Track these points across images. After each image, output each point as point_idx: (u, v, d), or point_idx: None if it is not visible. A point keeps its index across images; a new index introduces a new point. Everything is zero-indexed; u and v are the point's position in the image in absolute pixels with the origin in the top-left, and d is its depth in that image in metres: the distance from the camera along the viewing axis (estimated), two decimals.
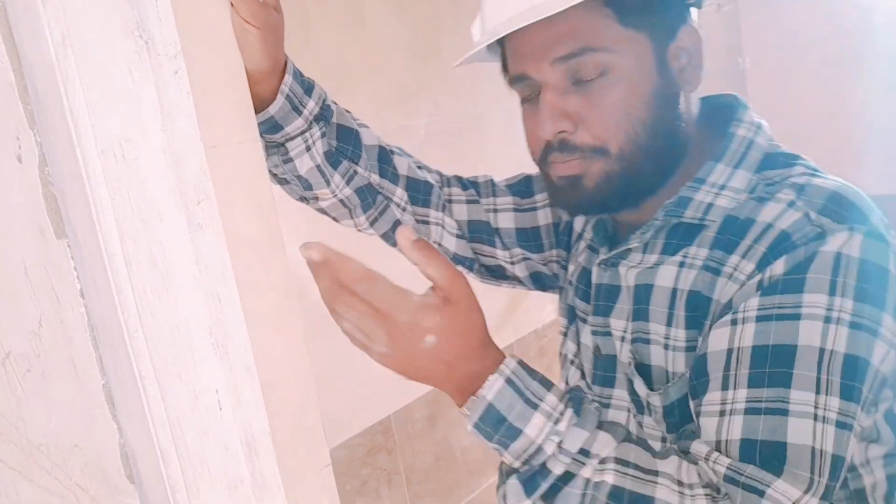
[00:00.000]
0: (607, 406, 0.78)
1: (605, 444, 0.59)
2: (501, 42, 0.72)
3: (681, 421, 0.69)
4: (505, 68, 0.75)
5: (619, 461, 0.58)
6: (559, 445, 0.58)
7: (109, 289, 0.48)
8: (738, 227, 0.66)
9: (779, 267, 0.61)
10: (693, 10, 0.72)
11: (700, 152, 0.71)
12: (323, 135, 0.79)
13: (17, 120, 0.48)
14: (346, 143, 0.82)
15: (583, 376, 0.83)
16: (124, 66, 0.46)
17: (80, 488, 0.59)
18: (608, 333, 0.77)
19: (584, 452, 0.58)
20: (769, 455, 0.57)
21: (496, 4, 0.69)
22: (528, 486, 0.58)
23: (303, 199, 0.85)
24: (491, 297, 1.07)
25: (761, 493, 0.56)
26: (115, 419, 0.54)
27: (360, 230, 0.89)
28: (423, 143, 1.66)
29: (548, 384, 0.61)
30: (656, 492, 0.56)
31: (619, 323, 0.76)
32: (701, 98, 0.74)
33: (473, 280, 0.95)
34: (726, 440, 0.59)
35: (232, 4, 0.58)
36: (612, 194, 0.69)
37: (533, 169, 0.78)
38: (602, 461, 0.58)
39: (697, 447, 0.61)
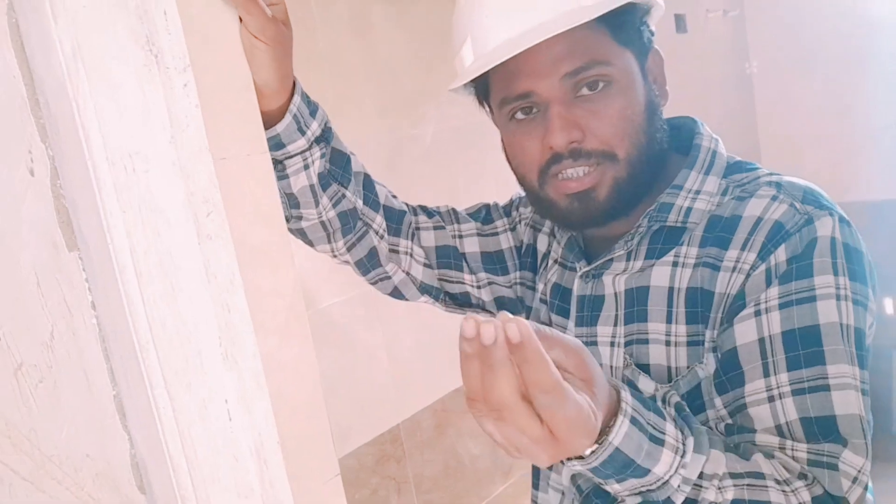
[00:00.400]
0: None
1: (718, 463, 0.59)
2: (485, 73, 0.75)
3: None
4: (485, 93, 0.79)
5: (733, 475, 0.59)
6: (683, 479, 0.57)
7: (120, 300, 0.48)
8: (726, 224, 0.71)
9: (781, 254, 0.66)
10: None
11: (669, 164, 0.78)
12: (322, 156, 0.81)
13: (29, 133, 0.49)
14: (338, 167, 0.84)
15: None
16: (134, 80, 0.46)
17: (92, 499, 0.59)
18: (593, 343, 0.80)
19: (704, 476, 0.58)
20: (825, 429, 0.62)
21: (494, 25, 0.72)
22: None
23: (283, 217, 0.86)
24: None
25: (836, 468, 0.61)
26: (126, 429, 0.54)
27: (335, 255, 0.90)
28: (429, 151, 1.67)
29: (659, 410, 0.58)
30: (770, 496, 0.59)
31: (606, 329, 0.78)
32: None
33: (439, 309, 0.98)
34: (786, 422, 0.63)
35: (241, 20, 0.59)
36: (618, 203, 0.73)
37: (510, 184, 0.81)
38: (720, 480, 0.59)
39: (764, 438, 0.64)
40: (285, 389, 0.56)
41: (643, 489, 0.57)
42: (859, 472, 0.61)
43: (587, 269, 0.81)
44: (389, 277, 0.93)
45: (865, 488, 0.62)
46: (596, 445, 0.53)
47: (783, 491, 0.59)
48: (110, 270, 0.48)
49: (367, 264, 0.91)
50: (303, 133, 0.77)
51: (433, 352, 1.63)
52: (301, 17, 1.39)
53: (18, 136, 0.48)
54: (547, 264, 0.90)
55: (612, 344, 0.77)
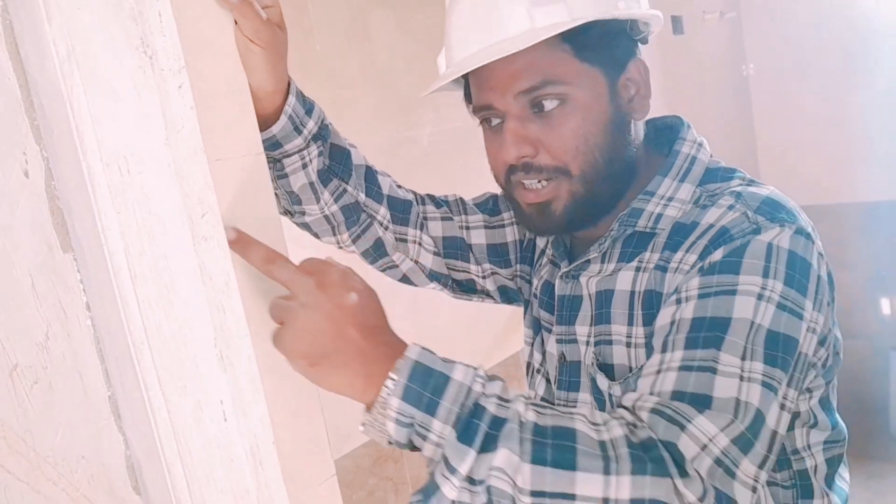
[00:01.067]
0: None
1: (518, 393, 0.60)
2: (465, 74, 0.77)
3: None
4: (468, 97, 0.80)
5: (534, 404, 0.59)
6: (484, 387, 0.57)
7: (115, 301, 0.48)
8: (685, 230, 0.73)
9: (718, 255, 0.67)
10: (640, 45, 0.78)
11: (648, 168, 0.78)
12: (320, 153, 0.81)
13: (23, 135, 0.49)
14: (337, 162, 0.85)
15: (548, 383, 0.87)
16: (129, 81, 0.46)
17: (88, 500, 0.59)
18: (573, 341, 0.81)
19: (504, 399, 0.58)
20: (695, 402, 0.60)
21: (462, 39, 0.74)
22: (467, 433, 0.55)
23: (287, 212, 0.86)
24: (496, 310, 1.08)
25: (682, 427, 0.58)
26: (121, 431, 0.54)
27: (341, 247, 0.91)
28: (426, 153, 1.67)
29: None
30: (575, 423, 0.58)
31: (583, 329, 0.80)
32: (647, 119, 0.80)
33: (446, 294, 0.99)
34: (658, 391, 0.62)
35: (236, 23, 0.59)
36: (577, 216, 0.75)
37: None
38: (522, 402, 0.58)
39: (628, 396, 0.64)
40: (281, 391, 0.56)
41: (454, 407, 0.55)
42: (711, 440, 0.58)
43: (567, 269, 0.83)
44: (397, 266, 0.94)
45: (725, 469, 0.58)
46: (399, 363, 0.56)
47: (595, 428, 0.58)
48: (105, 272, 0.48)
49: (374, 254, 0.92)
50: (299, 132, 0.77)
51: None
52: (298, 20, 1.39)
53: (13, 137, 0.48)
54: (542, 261, 0.92)
55: (587, 343, 0.79)
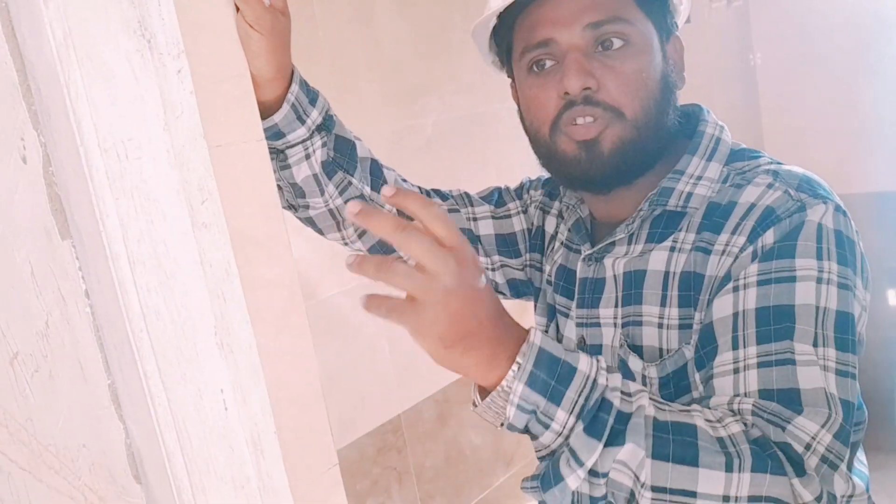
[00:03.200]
0: None
1: (636, 385, 0.59)
2: (510, 21, 0.77)
3: (675, 393, 0.73)
4: (507, 49, 0.79)
5: (654, 400, 0.59)
6: (608, 380, 0.57)
7: (114, 289, 0.48)
8: (722, 210, 0.72)
9: (769, 237, 0.67)
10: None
11: (674, 150, 0.78)
12: (324, 144, 0.80)
13: (21, 120, 0.48)
14: (342, 155, 0.83)
15: None
16: (126, 65, 0.46)
17: (89, 489, 0.59)
18: (596, 324, 0.81)
19: (627, 392, 0.58)
20: (786, 400, 0.60)
21: None
22: (594, 427, 0.55)
23: (291, 206, 0.85)
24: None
25: (783, 428, 0.59)
26: (121, 419, 0.54)
27: (346, 243, 0.90)
28: (430, 142, 1.66)
29: None
30: (695, 419, 0.58)
31: (607, 311, 0.79)
32: None
33: None
34: (745, 392, 0.62)
35: (237, 9, 0.58)
36: (623, 161, 0.74)
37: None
38: (645, 397, 0.58)
39: (715, 400, 0.63)
40: (282, 379, 0.55)
41: (580, 398, 0.55)
42: (814, 438, 0.58)
43: (590, 251, 0.81)
44: (406, 261, 0.93)
45: (828, 464, 0.58)
46: (524, 348, 0.55)
47: (712, 426, 0.58)
48: (103, 259, 0.47)
49: (380, 250, 0.91)
50: (302, 122, 0.76)
51: None
52: (301, 7, 1.38)
53: (10, 123, 0.48)
54: (554, 246, 0.91)
55: (614, 325, 0.78)
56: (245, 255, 0.53)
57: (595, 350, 0.81)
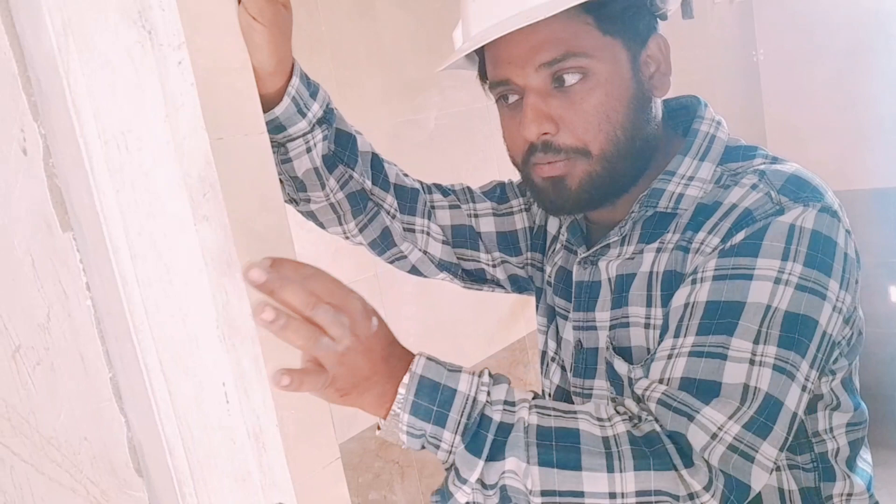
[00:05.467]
0: (588, 396, 0.81)
1: (523, 395, 0.61)
2: (481, 49, 0.76)
3: None
4: (483, 74, 0.78)
5: (538, 406, 0.60)
6: (489, 395, 0.59)
7: (115, 282, 0.48)
8: (707, 211, 0.71)
9: (739, 237, 0.66)
10: (659, 21, 0.77)
11: (667, 148, 0.76)
12: (324, 138, 0.79)
13: (21, 112, 0.48)
14: (343, 148, 0.83)
15: (564, 371, 0.86)
16: (126, 56, 0.45)
17: (91, 482, 0.59)
18: (592, 327, 0.80)
19: (510, 403, 0.60)
20: (704, 390, 0.61)
21: (481, 11, 0.72)
22: (474, 444, 0.58)
23: (292, 200, 0.85)
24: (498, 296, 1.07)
25: (690, 418, 0.59)
26: (122, 412, 0.54)
27: (347, 237, 0.90)
28: (432, 136, 1.65)
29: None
30: (578, 424, 0.59)
31: (602, 315, 0.79)
32: (664, 100, 0.79)
33: (456, 284, 0.98)
34: (668, 378, 0.63)
35: (239, 0, 0.58)
36: (593, 194, 0.73)
37: (515, 171, 0.80)
38: (527, 405, 0.60)
39: (640, 383, 0.64)
40: None
41: (462, 417, 0.58)
42: (720, 429, 0.59)
43: (585, 254, 0.81)
44: (406, 257, 0.93)
45: (741, 454, 0.59)
46: (405, 378, 0.58)
47: (600, 425, 0.60)
48: (104, 251, 0.47)
49: (382, 244, 0.90)
50: (303, 115, 0.76)
51: (437, 336, 1.63)
52: (304, 0, 1.37)
53: (10, 114, 0.48)
54: (555, 247, 0.91)
55: (609, 328, 0.78)
56: (247, 247, 0.53)
57: (591, 353, 0.81)
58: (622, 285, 0.77)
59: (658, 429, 0.59)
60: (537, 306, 0.93)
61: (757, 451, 0.59)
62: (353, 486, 1.46)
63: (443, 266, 0.94)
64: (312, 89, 0.77)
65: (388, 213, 0.89)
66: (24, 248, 0.53)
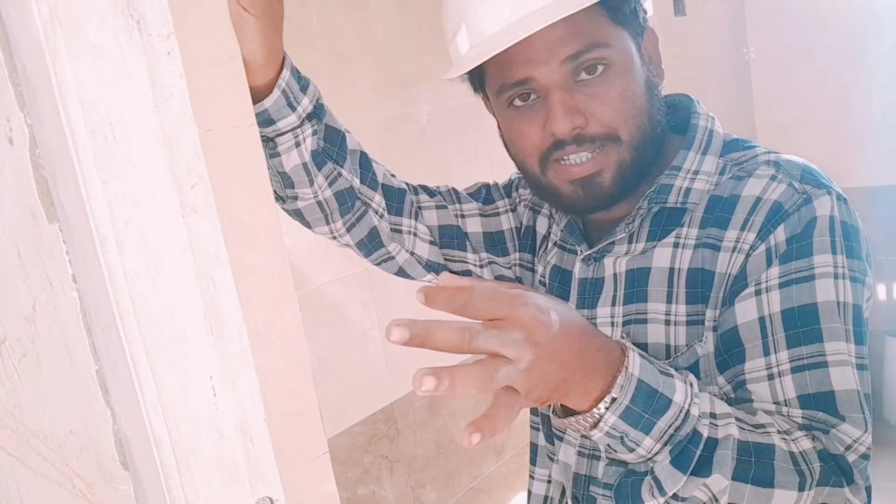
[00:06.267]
0: None
1: (723, 406, 0.60)
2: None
3: None
4: (479, 81, 0.78)
5: (737, 419, 0.60)
6: (700, 409, 0.57)
7: (101, 273, 0.47)
8: (725, 204, 0.71)
9: (780, 234, 0.67)
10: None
11: (667, 145, 0.77)
12: (314, 133, 0.79)
13: (7, 101, 0.48)
14: (332, 145, 0.82)
15: None
16: (114, 45, 0.45)
17: (77, 475, 0.58)
18: (593, 325, 0.79)
19: (714, 415, 0.58)
20: (824, 405, 0.63)
21: (487, 14, 0.70)
22: (682, 459, 0.56)
23: (279, 198, 0.84)
24: None
25: (827, 433, 0.62)
26: (108, 405, 0.54)
27: (334, 237, 0.89)
28: (424, 131, 1.65)
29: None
30: (773, 439, 0.59)
31: (605, 311, 0.79)
32: None
33: None
34: (784, 399, 0.64)
35: None
36: (623, 185, 0.73)
37: (507, 166, 0.80)
38: (733, 421, 0.59)
39: (760, 406, 0.65)
40: (272, 366, 0.55)
41: (670, 428, 0.56)
42: (855, 441, 0.62)
43: (589, 252, 0.80)
44: (393, 258, 0.92)
45: (865, 458, 0.62)
46: (621, 379, 0.54)
47: (785, 439, 0.60)
48: (90, 242, 0.47)
49: (369, 245, 0.90)
50: (293, 109, 0.75)
51: None
52: None
53: None
54: (546, 247, 0.90)
55: (612, 324, 0.78)
56: (235, 239, 0.52)
57: None
58: (634, 281, 0.76)
59: (827, 447, 0.61)
60: None
61: (871, 451, 0.63)
62: (342, 481, 1.47)
63: (430, 267, 0.94)
64: (303, 83, 0.76)
65: (377, 212, 0.88)
66: (11, 239, 0.53)
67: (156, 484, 0.50)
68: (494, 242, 0.94)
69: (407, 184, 0.93)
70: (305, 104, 0.76)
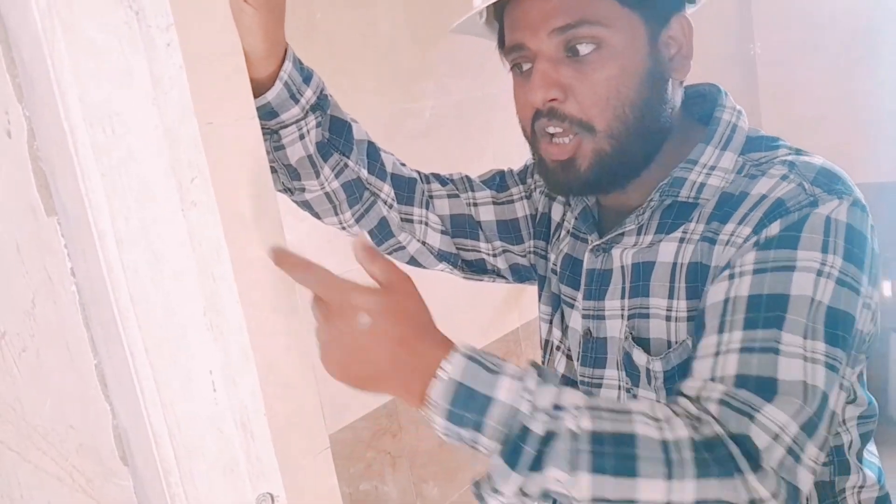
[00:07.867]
0: (598, 386, 0.79)
1: (574, 397, 0.58)
2: (501, 16, 0.75)
3: None
4: (501, 41, 0.77)
5: (591, 408, 0.57)
6: (533, 405, 0.56)
7: (100, 267, 0.47)
8: (734, 201, 0.70)
9: (774, 228, 0.65)
10: (686, 3, 0.75)
11: (687, 136, 0.75)
12: (318, 125, 0.78)
13: (5, 93, 0.47)
14: (338, 136, 0.81)
15: (569, 360, 0.85)
16: (113, 37, 0.44)
17: (77, 470, 0.58)
18: (601, 316, 0.79)
19: (558, 407, 0.56)
20: (762, 387, 0.59)
21: None
22: (512, 456, 0.55)
23: (286, 189, 0.83)
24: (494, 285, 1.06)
25: (751, 418, 0.57)
26: (107, 400, 0.53)
27: (344, 227, 0.88)
28: (428, 126, 1.64)
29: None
30: (635, 427, 0.56)
31: (613, 303, 0.78)
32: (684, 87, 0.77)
33: (456, 276, 0.97)
34: (721, 376, 0.60)
35: None
36: (603, 175, 0.71)
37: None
38: (577, 409, 0.57)
39: (688, 383, 0.62)
40: (273, 361, 0.54)
41: (502, 426, 0.55)
42: (782, 429, 0.57)
43: (598, 242, 0.79)
44: (404, 247, 0.91)
45: (793, 456, 0.57)
46: (434, 382, 0.56)
47: (657, 426, 0.57)
48: (89, 237, 0.46)
49: (379, 235, 0.89)
50: (296, 101, 0.75)
51: None
52: None
53: None
54: (560, 234, 0.89)
55: (620, 317, 0.77)
56: (236, 234, 0.52)
57: (601, 343, 0.79)
58: (639, 274, 0.75)
59: (720, 432, 0.56)
60: (540, 295, 0.92)
61: (804, 453, 0.57)
62: (344, 477, 1.46)
63: (442, 256, 0.93)
64: (306, 74, 0.76)
65: (385, 202, 0.87)
66: (10, 233, 0.52)
67: (155, 479, 0.50)
68: (509, 230, 0.93)
69: (418, 172, 0.92)
70: (309, 95, 0.76)
